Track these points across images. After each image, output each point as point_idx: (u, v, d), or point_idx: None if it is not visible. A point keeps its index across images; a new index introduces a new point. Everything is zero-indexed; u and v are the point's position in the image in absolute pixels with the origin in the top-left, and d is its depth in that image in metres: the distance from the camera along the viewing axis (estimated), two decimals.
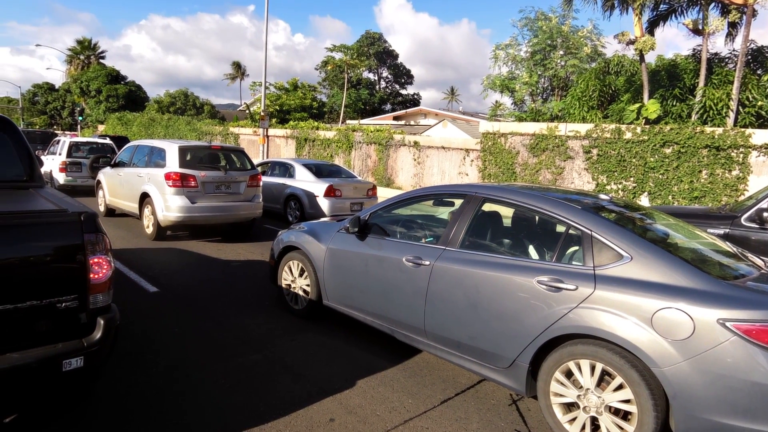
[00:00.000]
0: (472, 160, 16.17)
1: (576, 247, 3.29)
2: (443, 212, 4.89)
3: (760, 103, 13.03)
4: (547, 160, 14.16)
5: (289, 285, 5.32)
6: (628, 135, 12.55)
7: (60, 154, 15.06)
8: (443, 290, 3.67)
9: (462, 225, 3.80)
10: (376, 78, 48.79)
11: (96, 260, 2.83)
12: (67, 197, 3.53)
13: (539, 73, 19.81)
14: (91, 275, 2.81)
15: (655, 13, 14.66)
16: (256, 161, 12.54)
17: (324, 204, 11.07)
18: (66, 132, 44.79)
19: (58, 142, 16.11)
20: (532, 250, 3.72)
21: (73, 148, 15.36)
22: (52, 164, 14.98)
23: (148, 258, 7.48)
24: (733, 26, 14.23)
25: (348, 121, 32.07)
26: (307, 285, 5.05)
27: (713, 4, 13.40)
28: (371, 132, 19.33)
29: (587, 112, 16.39)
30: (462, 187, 4.26)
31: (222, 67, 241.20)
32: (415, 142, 17.75)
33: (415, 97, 53.72)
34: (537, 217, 3.85)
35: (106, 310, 2.92)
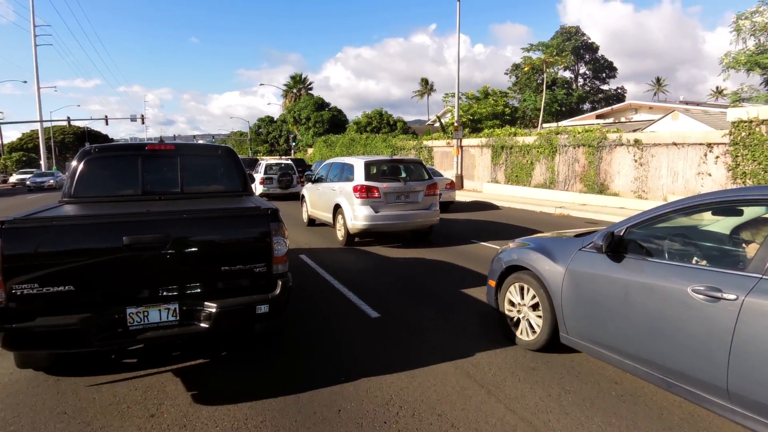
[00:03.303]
0: (717, 157, 12.95)
1: None
2: (708, 224, 3.75)
3: None
4: None
5: (514, 311, 4.55)
6: None
7: (259, 172, 20.57)
8: (763, 338, 2.57)
9: None
10: (573, 76, 44.75)
11: (278, 241, 3.85)
12: (263, 201, 4.76)
13: None
14: (275, 251, 3.84)
15: None
16: (451, 171, 11.61)
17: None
18: (283, 156, 50.27)
19: (260, 164, 21.85)
20: None
21: (268, 167, 20.81)
22: (256, 179, 19.38)
23: (353, 270, 7.71)
24: None
25: (544, 125, 29.71)
26: (538, 313, 4.24)
27: None
28: (579, 133, 17.07)
29: None
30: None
31: (407, 86, 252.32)
32: (636, 140, 15.02)
33: (619, 91, 47.97)
34: None
35: (283, 275, 3.92)
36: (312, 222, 12.09)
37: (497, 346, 4.48)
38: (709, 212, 3.52)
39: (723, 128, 13.55)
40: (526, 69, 30.69)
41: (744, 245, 3.30)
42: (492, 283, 4.88)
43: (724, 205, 3.36)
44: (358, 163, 9.51)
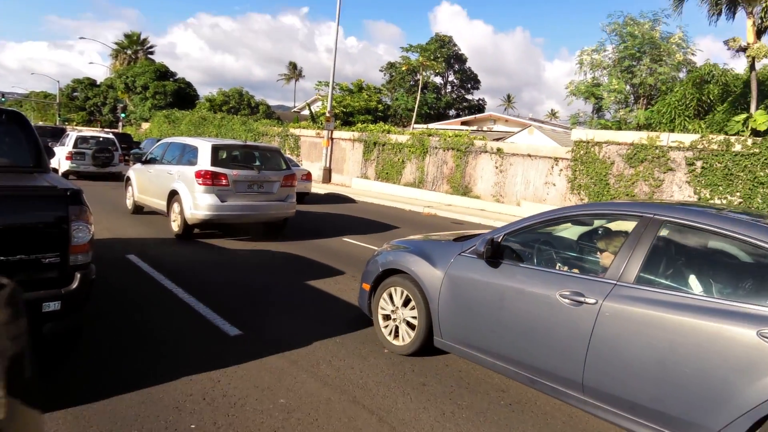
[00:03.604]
0: (561, 170, 17.01)
1: None
2: (562, 230, 4.54)
3: None
4: (645, 171, 14.87)
5: (389, 316, 4.86)
6: (737, 147, 13.18)
7: (67, 146, 18.99)
8: (615, 338, 3.24)
9: (638, 255, 3.34)
10: (443, 82, 50.46)
11: (78, 227, 3.71)
12: (63, 180, 4.51)
13: (625, 80, 20.61)
14: (73, 239, 3.69)
15: (761, 20, 15.27)
16: (319, 164, 13.38)
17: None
18: (105, 129, 47.46)
19: (68, 135, 20.32)
20: (742, 293, 3.16)
21: (79, 140, 19.41)
22: (61, 154, 18.52)
23: (198, 271, 7.13)
24: None
25: (414, 126, 33.33)
26: (413, 317, 4.60)
27: None
28: (450, 137, 20.35)
29: (689, 121, 17.02)
30: (631, 207, 3.82)
31: (271, 68, 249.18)
32: (498, 149, 18.71)
33: (480, 102, 54.97)
34: (744, 250, 3.32)
35: (84, 267, 3.80)
36: (139, 209, 11.63)
37: (381, 359, 4.57)
38: (569, 223, 4.37)
39: (567, 145, 17.76)
40: (404, 68, 34.19)
41: (599, 253, 4.05)
42: (366, 286, 5.09)
43: (586, 217, 4.27)
44: (204, 146, 9.43)
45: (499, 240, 4.08)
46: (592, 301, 3.33)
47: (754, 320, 2.78)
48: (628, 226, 3.69)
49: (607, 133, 16.11)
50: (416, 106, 33.79)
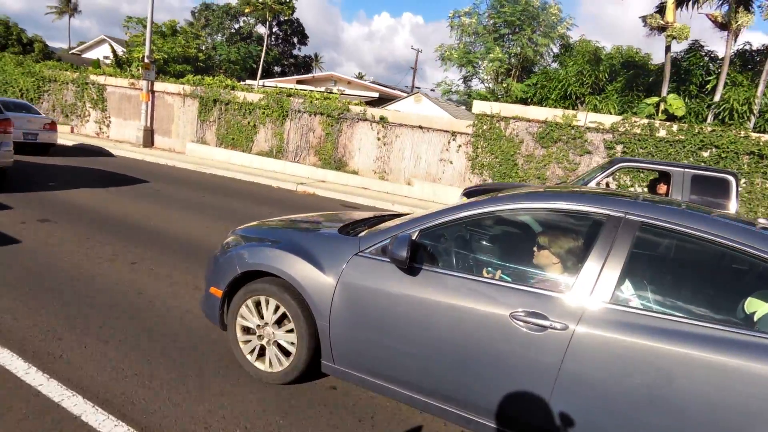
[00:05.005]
0: (460, 146, 14.91)
1: None
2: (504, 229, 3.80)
3: None
4: (558, 153, 13.45)
5: (253, 332, 3.73)
6: (662, 133, 12.30)
7: None
8: (593, 374, 2.55)
9: (613, 265, 2.64)
10: (268, 33, 44.54)
11: None
12: None
13: (503, 50, 19.22)
14: None
15: None
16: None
17: None
18: None
19: None
20: (743, 318, 2.64)
21: None
22: None
23: None
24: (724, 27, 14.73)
25: (260, 83, 28.39)
26: (290, 334, 3.53)
27: None
28: (317, 99, 16.99)
29: (599, 101, 16.06)
30: (591, 199, 2.95)
31: None
32: (382, 118, 15.93)
33: (308, 60, 50.49)
34: (750, 263, 2.65)
35: None
36: None
37: (229, 381, 3.64)
38: (527, 217, 3.47)
39: (459, 118, 15.69)
40: (247, 10, 28.47)
41: (535, 249, 3.23)
42: (216, 291, 3.90)
43: (536, 212, 3.27)
44: None
45: (414, 238, 3.16)
46: (560, 326, 2.61)
47: None
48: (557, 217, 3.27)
49: (516, 108, 14.33)
50: (263, 57, 28.76)
